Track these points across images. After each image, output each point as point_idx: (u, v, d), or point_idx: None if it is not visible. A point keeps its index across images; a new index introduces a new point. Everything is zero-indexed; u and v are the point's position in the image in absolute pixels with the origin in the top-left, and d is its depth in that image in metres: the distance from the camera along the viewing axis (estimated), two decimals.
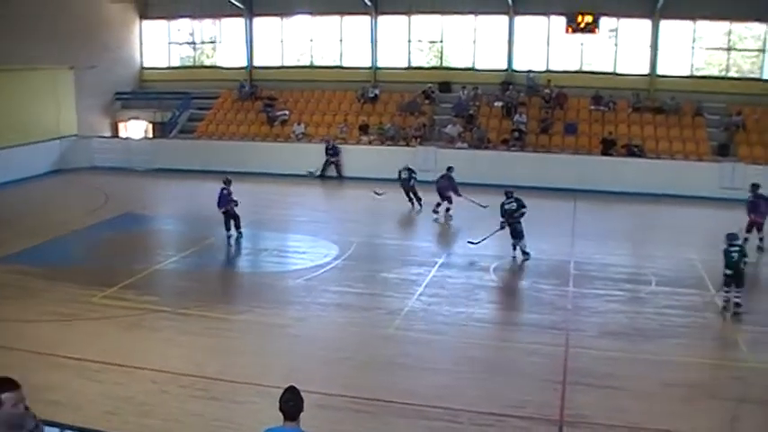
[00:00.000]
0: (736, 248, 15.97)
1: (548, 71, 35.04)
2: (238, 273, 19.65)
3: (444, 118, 34.00)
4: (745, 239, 20.14)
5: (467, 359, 13.43)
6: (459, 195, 24.43)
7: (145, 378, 12.38)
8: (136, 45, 39.69)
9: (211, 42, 39.86)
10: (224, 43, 39.29)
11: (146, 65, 40.14)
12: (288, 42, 38.07)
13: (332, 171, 32.09)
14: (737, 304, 15.72)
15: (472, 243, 20.38)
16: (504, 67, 35.45)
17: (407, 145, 32.52)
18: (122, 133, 38.47)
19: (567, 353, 13.55)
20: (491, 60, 35.73)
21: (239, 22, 38.10)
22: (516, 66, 35.39)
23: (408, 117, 34.35)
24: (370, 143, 33.11)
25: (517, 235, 19.82)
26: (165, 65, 39.93)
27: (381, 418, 11.14)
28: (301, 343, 14.13)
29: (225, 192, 21.26)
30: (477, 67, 35.93)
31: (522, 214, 19.85)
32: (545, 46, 35.10)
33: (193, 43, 40.07)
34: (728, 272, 15.81)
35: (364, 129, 33.83)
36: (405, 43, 36.64)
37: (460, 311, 15.77)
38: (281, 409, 6.65)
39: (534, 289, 17.54)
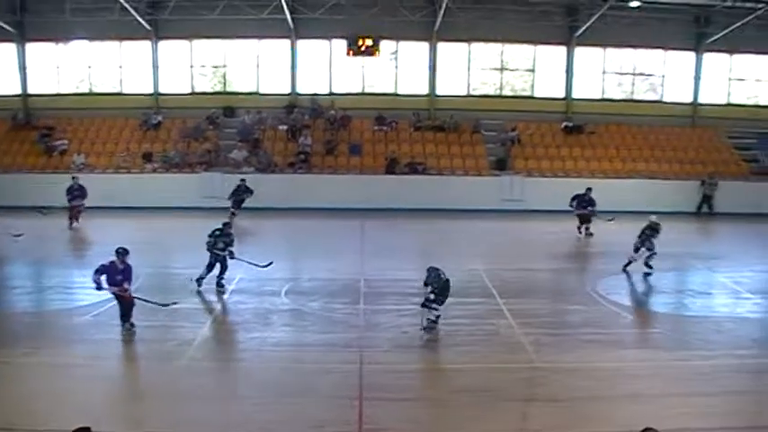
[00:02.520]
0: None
1: (331, 94, 35.53)
2: (19, 313, 18.35)
3: (230, 143, 33.64)
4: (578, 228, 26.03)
5: (264, 384, 13.21)
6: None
7: None
8: None
9: None
10: None
11: None
12: (64, 69, 36.43)
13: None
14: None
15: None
16: (288, 90, 35.60)
17: (193, 171, 31.97)
18: None
19: (362, 369, 13.63)
20: (275, 84, 35.80)
21: (10, 48, 36.04)
22: (300, 89, 35.63)
23: (193, 143, 33.74)
24: (154, 171, 32.22)
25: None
26: None
27: None
28: (93, 381, 13.26)
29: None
30: (262, 91, 35.88)
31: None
32: (327, 69, 35.57)
33: None
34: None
35: (148, 156, 32.88)
36: (187, 68, 36.05)
37: (254, 337, 15.50)
38: None
39: (327, 309, 17.52)
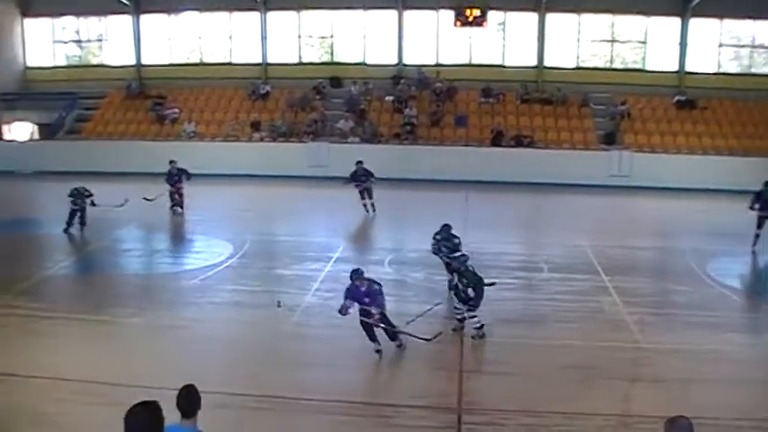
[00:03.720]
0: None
1: (437, 65, 35.40)
2: (131, 275, 19.04)
3: (336, 113, 33.96)
4: (757, 236, 20.55)
5: (366, 352, 13.36)
6: None
7: (38, 387, 11.92)
8: (18, 44, 38.31)
9: (98, 41, 38.82)
10: (111, 41, 38.32)
11: (29, 64, 38.76)
12: (176, 40, 37.43)
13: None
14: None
15: None
16: (395, 61, 35.64)
17: (299, 141, 32.40)
18: (6, 135, 37.13)
19: (463, 341, 13.65)
20: (381, 55, 35.92)
21: (126, 20, 37.19)
22: (406, 60, 35.62)
23: (300, 113, 34.18)
24: (262, 140, 32.82)
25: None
26: (51, 64, 38.67)
27: (282, 416, 10.99)
28: (197, 343, 13.72)
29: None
30: (368, 61, 36.05)
31: None
32: (434, 40, 35.43)
33: (79, 41, 38.95)
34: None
35: (256, 126, 33.53)
36: (295, 39, 36.45)
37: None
38: (178, 406, 6.51)
39: (429, 280, 17.57)
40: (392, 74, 35.37)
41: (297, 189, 28.64)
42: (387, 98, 34.55)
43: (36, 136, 37.01)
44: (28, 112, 36.85)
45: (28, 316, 15.26)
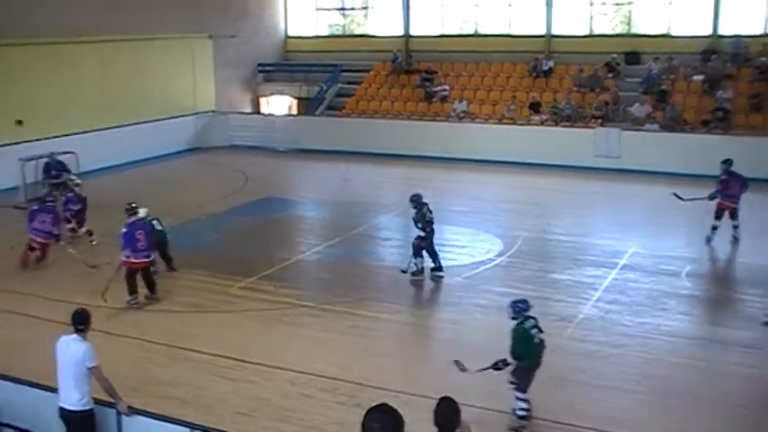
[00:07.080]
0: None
1: (764, 35, 33.62)
2: (389, 267, 19.76)
3: (631, 95, 33.26)
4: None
5: (650, 379, 13.12)
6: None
7: (283, 379, 12.77)
8: (280, 12, 40.72)
9: (363, 8, 40.47)
10: (377, 9, 39.81)
11: (290, 33, 41.14)
12: (449, 8, 38.23)
13: None
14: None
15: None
16: (708, 32, 34.30)
17: (585, 126, 32.11)
18: (264, 109, 39.54)
19: None
20: (691, 24, 34.77)
21: None
22: (723, 30, 34.13)
23: (588, 94, 33.83)
24: (542, 123, 32.78)
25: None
26: (312, 34, 40.83)
27: None
28: (456, 349, 13.59)
29: None
30: (673, 33, 35.02)
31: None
32: (763, 3, 33.56)
33: (343, 9, 40.75)
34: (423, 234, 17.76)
35: (535, 107, 33.53)
36: (585, 6, 36.12)
37: (645, 322, 15.35)
38: (435, 423, 6.66)
39: (737, 300, 16.97)
40: (703, 47, 34.00)
41: (580, 182, 28.39)
42: (695, 77, 33.36)
43: (294, 111, 39.14)
44: (287, 84, 39.09)
45: (276, 302, 16.38)
